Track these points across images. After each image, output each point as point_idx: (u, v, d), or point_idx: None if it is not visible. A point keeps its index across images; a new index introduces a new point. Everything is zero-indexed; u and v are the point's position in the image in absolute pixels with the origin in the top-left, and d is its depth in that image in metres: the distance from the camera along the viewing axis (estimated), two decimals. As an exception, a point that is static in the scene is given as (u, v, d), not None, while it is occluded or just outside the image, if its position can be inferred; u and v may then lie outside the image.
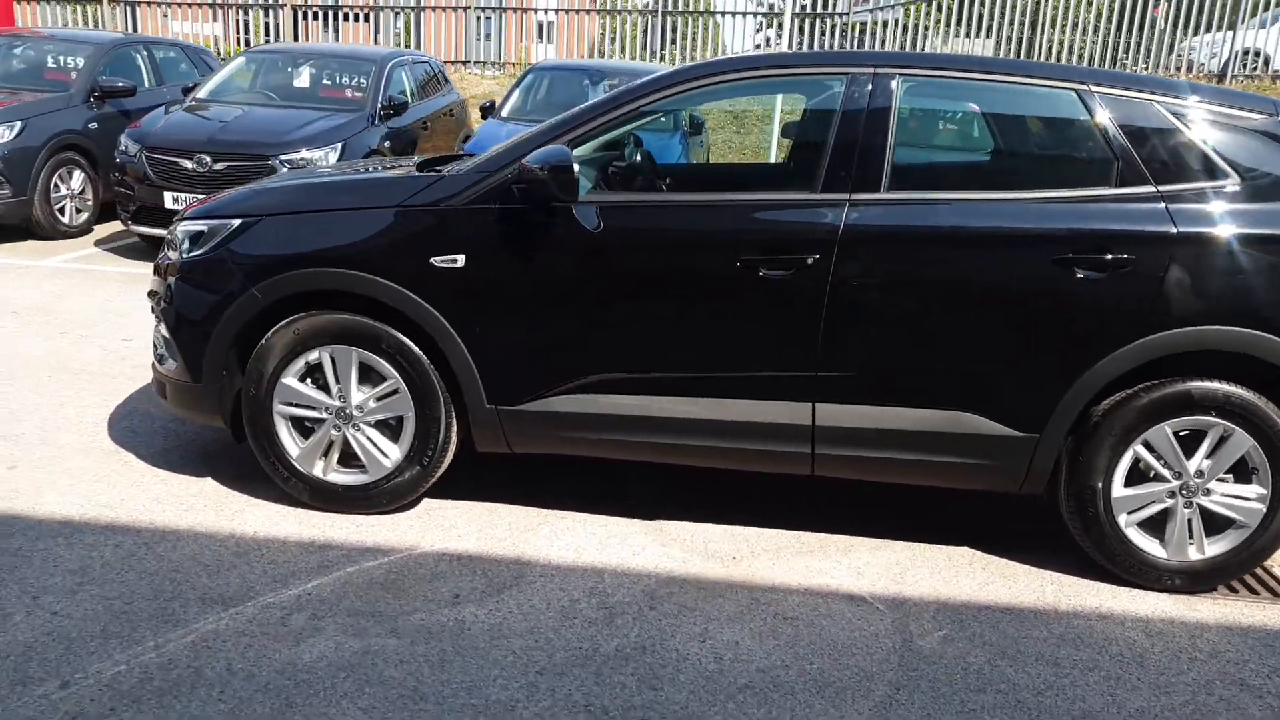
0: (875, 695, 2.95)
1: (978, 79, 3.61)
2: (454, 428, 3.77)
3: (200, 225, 3.86)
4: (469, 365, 3.64)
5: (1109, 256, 3.37)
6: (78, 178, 8.59)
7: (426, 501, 3.98)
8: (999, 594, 3.56)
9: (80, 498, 3.88)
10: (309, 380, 3.78)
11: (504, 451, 3.82)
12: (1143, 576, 3.60)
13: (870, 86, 3.52)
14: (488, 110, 8.67)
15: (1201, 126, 3.49)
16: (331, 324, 3.68)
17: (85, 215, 8.72)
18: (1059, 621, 3.40)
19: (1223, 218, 3.38)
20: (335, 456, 3.81)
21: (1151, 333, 3.37)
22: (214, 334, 3.75)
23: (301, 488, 3.83)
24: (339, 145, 7.72)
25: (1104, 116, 3.48)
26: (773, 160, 8.28)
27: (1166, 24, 15.18)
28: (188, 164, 7.49)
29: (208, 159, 7.45)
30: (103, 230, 8.97)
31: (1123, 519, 3.56)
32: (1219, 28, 14.99)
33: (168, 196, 7.51)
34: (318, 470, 3.82)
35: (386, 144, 8.30)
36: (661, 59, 17.44)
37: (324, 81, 8.86)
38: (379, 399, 3.75)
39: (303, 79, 8.78)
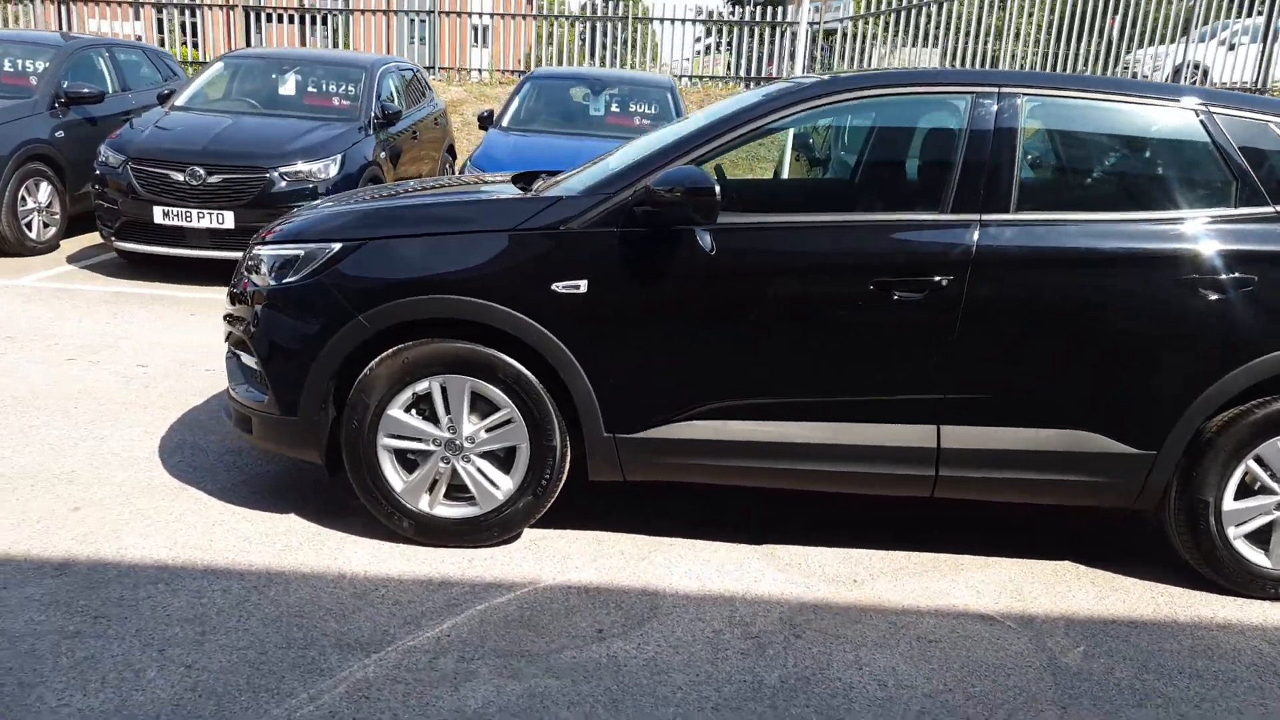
0: (1046, 716, 2.96)
1: (1099, 99, 3.66)
2: (568, 457, 3.67)
3: (294, 249, 3.68)
4: (589, 394, 3.55)
5: (1231, 276, 3.45)
6: (45, 190, 8.15)
7: (528, 533, 3.87)
8: (1117, 608, 3.61)
9: (165, 540, 3.67)
10: (413, 411, 3.64)
11: (616, 480, 3.74)
12: (1248, 586, 3.69)
13: (996, 106, 3.54)
14: (486, 120, 8.48)
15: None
16: (445, 353, 3.54)
17: (53, 230, 8.27)
18: (1184, 634, 3.46)
19: (1340, 237, 3.48)
20: (443, 490, 3.68)
21: (1272, 350, 3.45)
22: (314, 365, 3.58)
23: (407, 523, 3.69)
24: (339, 157, 7.48)
25: (1222, 137, 3.56)
26: (786, 174, 8.30)
27: (1121, 36, 15.70)
28: (179, 176, 7.16)
29: (201, 171, 7.13)
30: (70, 245, 8.53)
31: (1231, 531, 3.64)
32: (1162, 41, 15.58)
33: (157, 211, 7.16)
34: (424, 504, 3.68)
35: (383, 154, 8.08)
36: (631, 65, 17.35)
37: (309, 89, 8.57)
38: (490, 429, 3.62)
39: (288, 86, 8.48)
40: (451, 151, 10.65)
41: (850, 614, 3.47)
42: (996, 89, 3.57)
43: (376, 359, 3.57)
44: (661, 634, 3.27)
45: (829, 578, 3.70)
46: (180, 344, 6.03)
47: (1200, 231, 3.49)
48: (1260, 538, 3.68)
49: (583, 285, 3.49)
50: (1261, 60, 14.36)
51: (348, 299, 3.54)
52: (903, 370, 3.54)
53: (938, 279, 3.43)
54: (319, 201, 4.55)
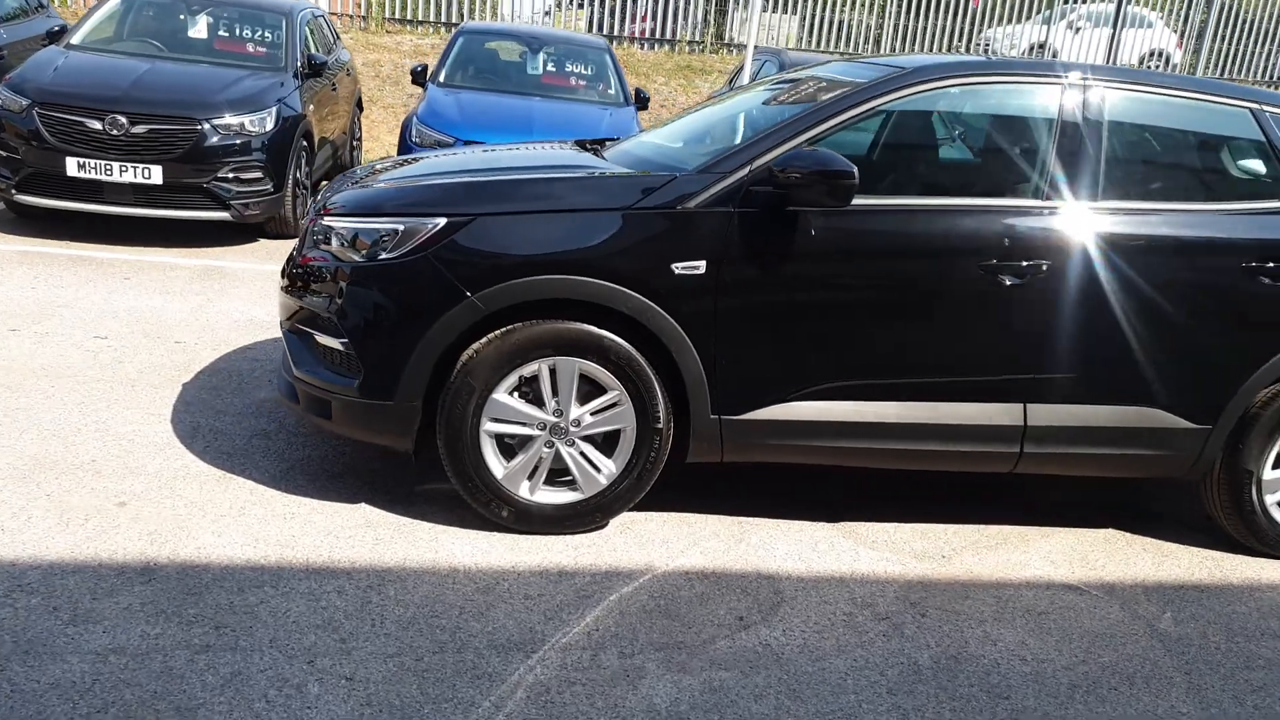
0: (1178, 683, 3.16)
1: (1172, 95, 3.85)
2: (671, 439, 3.60)
3: (386, 223, 3.42)
4: (700, 376, 3.49)
5: (1285, 264, 3.72)
6: (-87, 134, 7.21)
7: (614, 518, 3.77)
8: (1176, 573, 3.88)
9: (244, 537, 3.38)
10: (515, 394, 3.48)
11: (713, 462, 3.70)
12: (1278, 549, 4.04)
13: (1084, 97, 3.68)
14: (419, 75, 8.05)
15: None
16: (558, 334, 3.40)
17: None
18: (1246, 596, 3.76)
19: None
20: (543, 475, 3.54)
21: (1321, 332, 3.77)
22: (419, 347, 3.36)
23: (506, 511, 3.53)
24: (274, 109, 6.94)
25: (1275, 133, 3.83)
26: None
27: (982, 15, 16.44)
28: (96, 124, 6.46)
29: (123, 120, 6.45)
30: (-60, 196, 7.60)
31: (1269, 499, 3.97)
32: (1018, 20, 16.44)
33: (71, 162, 6.44)
34: (524, 491, 3.54)
35: (310, 108, 7.56)
36: (533, 18, 16.78)
37: (220, 33, 7.89)
38: (596, 412, 3.51)
39: (198, 29, 7.78)
40: (359, 105, 10.07)
41: (956, 590, 3.58)
42: (1084, 81, 3.71)
43: (483, 340, 3.39)
44: (800, 619, 3.28)
45: (918, 554, 3.80)
46: (131, 312, 5.51)
47: (1261, 222, 3.76)
48: (1285, 505, 4.03)
49: (701, 266, 3.41)
50: (1112, 44, 15.40)
51: (459, 277, 3.33)
52: (1000, 350, 3.66)
53: (1038, 262, 3.54)
54: (367, 168, 4.22)
